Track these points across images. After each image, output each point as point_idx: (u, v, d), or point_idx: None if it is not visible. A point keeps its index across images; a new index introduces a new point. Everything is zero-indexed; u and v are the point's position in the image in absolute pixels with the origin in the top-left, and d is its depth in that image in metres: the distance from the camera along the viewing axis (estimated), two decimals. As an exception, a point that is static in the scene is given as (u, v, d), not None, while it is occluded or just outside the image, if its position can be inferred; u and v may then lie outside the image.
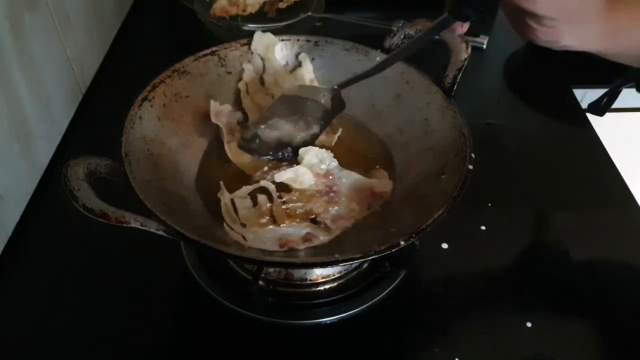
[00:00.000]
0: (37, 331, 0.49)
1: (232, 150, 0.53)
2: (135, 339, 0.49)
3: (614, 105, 0.80)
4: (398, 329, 0.51)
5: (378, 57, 0.57)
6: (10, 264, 0.53)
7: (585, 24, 0.43)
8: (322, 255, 0.41)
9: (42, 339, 0.48)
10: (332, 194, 0.50)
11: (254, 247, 0.45)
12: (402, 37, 0.56)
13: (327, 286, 0.53)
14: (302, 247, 0.46)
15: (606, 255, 0.58)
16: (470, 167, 0.45)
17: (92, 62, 0.76)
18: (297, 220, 0.48)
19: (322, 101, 0.53)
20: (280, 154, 0.52)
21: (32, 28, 0.58)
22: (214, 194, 0.49)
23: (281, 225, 0.47)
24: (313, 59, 0.59)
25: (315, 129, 0.53)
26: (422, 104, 0.54)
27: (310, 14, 0.81)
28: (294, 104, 0.53)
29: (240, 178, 0.52)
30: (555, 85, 0.81)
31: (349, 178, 0.51)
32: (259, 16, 0.82)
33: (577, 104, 0.78)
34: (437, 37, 0.48)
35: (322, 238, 0.47)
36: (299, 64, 0.59)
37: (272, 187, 0.50)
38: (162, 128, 0.51)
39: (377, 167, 0.54)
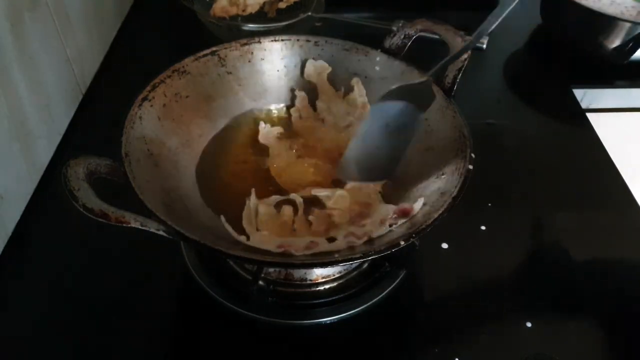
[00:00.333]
0: (37, 331, 0.49)
1: (275, 170, 0.54)
2: (136, 339, 0.49)
3: (614, 105, 0.80)
4: (398, 329, 0.51)
5: (378, 57, 0.57)
6: (10, 264, 0.53)
7: None
8: (322, 256, 0.41)
9: (42, 339, 0.48)
10: (359, 220, 0.48)
11: (253, 246, 0.45)
12: (402, 37, 0.56)
13: (327, 286, 0.53)
14: (300, 253, 0.46)
15: (606, 255, 0.58)
16: (470, 167, 0.45)
17: (92, 62, 0.76)
18: (317, 236, 0.47)
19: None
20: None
21: (32, 28, 0.58)
22: (214, 194, 0.49)
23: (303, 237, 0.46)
24: (313, 58, 0.59)
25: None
26: (422, 104, 0.54)
27: (310, 14, 0.81)
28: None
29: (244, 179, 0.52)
30: (555, 85, 0.81)
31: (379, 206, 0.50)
32: (259, 16, 0.82)
33: (577, 104, 0.78)
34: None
35: (325, 247, 0.46)
36: (351, 89, 0.58)
37: (299, 201, 0.49)
38: (162, 128, 0.51)
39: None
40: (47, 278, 0.53)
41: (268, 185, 0.52)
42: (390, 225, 0.45)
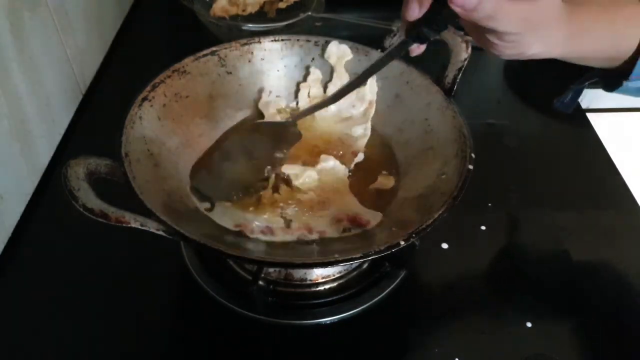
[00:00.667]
0: (37, 331, 0.49)
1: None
2: (136, 339, 0.49)
3: (614, 105, 0.80)
4: (398, 329, 0.51)
5: (378, 57, 0.57)
6: (10, 264, 0.53)
7: (549, 30, 0.41)
8: (322, 256, 0.41)
9: (42, 339, 0.48)
10: (320, 208, 0.49)
11: (212, 218, 0.47)
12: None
13: (327, 286, 0.53)
14: (254, 235, 0.46)
15: (606, 255, 0.58)
16: (470, 167, 0.45)
17: (92, 62, 0.76)
18: (276, 215, 0.48)
19: None
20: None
21: (32, 28, 0.58)
22: (211, 191, 0.50)
23: (261, 216, 0.48)
24: (313, 59, 0.59)
25: None
26: (422, 104, 0.54)
27: (310, 14, 0.81)
28: None
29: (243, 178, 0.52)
30: (555, 85, 0.81)
31: (344, 201, 0.50)
32: (259, 16, 0.82)
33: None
34: (437, 37, 0.48)
35: (280, 236, 0.47)
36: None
37: (272, 178, 0.51)
38: (162, 128, 0.51)
39: (384, 172, 0.54)
40: (47, 278, 0.53)
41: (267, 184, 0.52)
42: (344, 230, 0.47)
